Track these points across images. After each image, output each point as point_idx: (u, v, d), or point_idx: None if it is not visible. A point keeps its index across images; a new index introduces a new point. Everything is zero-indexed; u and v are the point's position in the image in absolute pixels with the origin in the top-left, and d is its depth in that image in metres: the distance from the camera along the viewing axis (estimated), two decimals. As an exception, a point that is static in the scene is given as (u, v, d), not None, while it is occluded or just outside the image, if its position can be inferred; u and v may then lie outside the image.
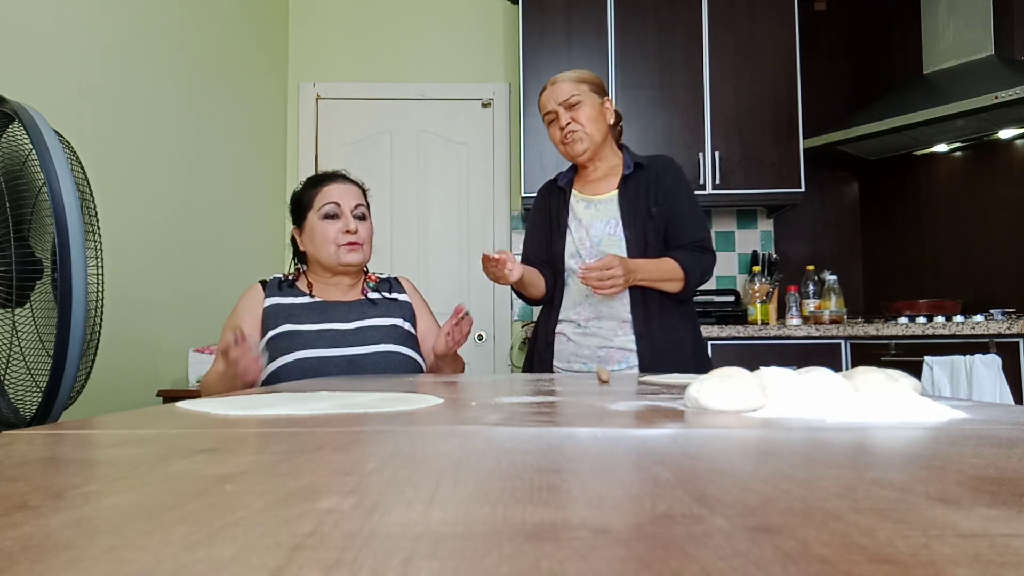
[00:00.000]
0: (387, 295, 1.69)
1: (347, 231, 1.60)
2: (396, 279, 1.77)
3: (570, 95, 1.73)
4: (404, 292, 1.74)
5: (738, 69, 3.15)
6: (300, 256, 1.70)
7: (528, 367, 1.88)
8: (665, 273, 1.67)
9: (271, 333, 1.53)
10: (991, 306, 2.83)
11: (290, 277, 1.68)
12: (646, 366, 1.67)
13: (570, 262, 1.77)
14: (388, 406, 0.71)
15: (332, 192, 1.62)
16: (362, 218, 1.65)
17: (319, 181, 1.66)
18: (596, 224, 1.76)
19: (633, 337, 1.70)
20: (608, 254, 1.62)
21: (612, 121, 1.78)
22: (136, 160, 2.20)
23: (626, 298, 1.71)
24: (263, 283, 1.64)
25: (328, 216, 1.61)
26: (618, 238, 1.73)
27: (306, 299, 1.61)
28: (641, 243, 1.71)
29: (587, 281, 1.58)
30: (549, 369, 1.79)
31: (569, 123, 1.74)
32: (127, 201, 2.13)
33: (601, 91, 1.78)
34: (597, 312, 1.73)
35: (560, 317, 1.78)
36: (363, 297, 1.67)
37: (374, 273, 1.77)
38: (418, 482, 0.34)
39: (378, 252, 2.28)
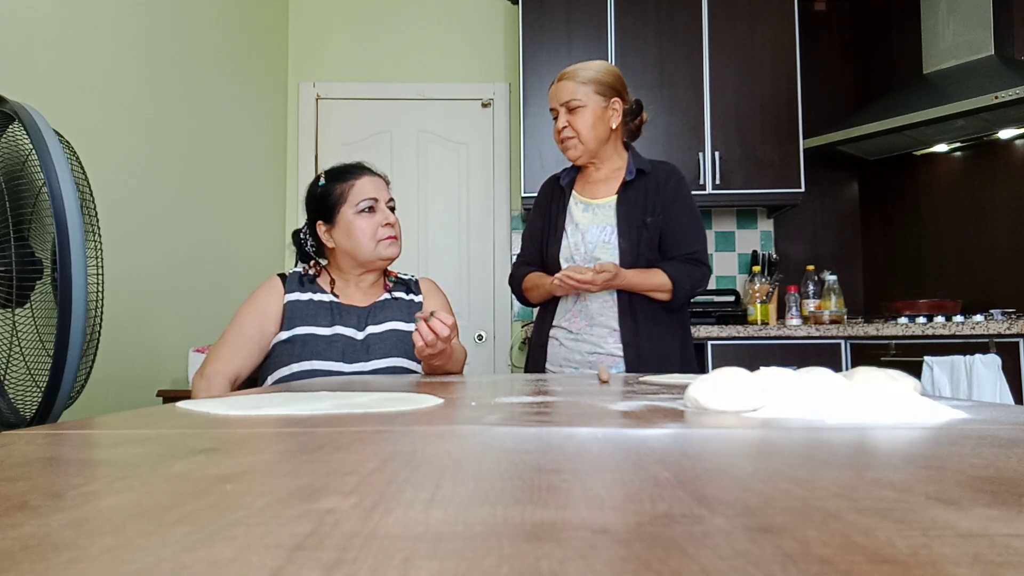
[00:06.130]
0: (404, 296, 1.65)
1: (387, 223, 1.58)
2: (416, 281, 1.72)
3: (571, 98, 1.71)
4: (420, 294, 1.68)
5: (738, 69, 3.15)
6: (305, 255, 1.66)
7: (526, 367, 1.90)
8: (653, 285, 1.67)
9: (284, 335, 1.51)
10: (991, 306, 2.83)
11: (311, 272, 1.63)
12: (632, 372, 1.68)
13: (564, 266, 1.77)
14: (388, 406, 0.71)
15: (366, 187, 1.59)
16: (392, 211, 1.62)
17: (347, 174, 1.61)
18: (592, 229, 1.75)
19: (621, 344, 1.71)
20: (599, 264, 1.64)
21: (615, 125, 1.75)
22: (136, 160, 2.19)
23: (615, 307, 1.71)
24: (282, 276, 1.60)
25: (365, 211, 1.58)
26: (612, 245, 1.73)
27: (327, 297, 1.58)
28: (634, 252, 1.71)
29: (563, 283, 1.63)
30: (542, 370, 1.80)
31: (566, 127, 1.73)
32: (127, 201, 2.13)
33: (610, 91, 1.73)
34: (590, 320, 1.74)
35: (554, 322, 1.79)
36: (380, 299, 1.62)
37: (395, 272, 1.73)
38: (418, 482, 0.34)
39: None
